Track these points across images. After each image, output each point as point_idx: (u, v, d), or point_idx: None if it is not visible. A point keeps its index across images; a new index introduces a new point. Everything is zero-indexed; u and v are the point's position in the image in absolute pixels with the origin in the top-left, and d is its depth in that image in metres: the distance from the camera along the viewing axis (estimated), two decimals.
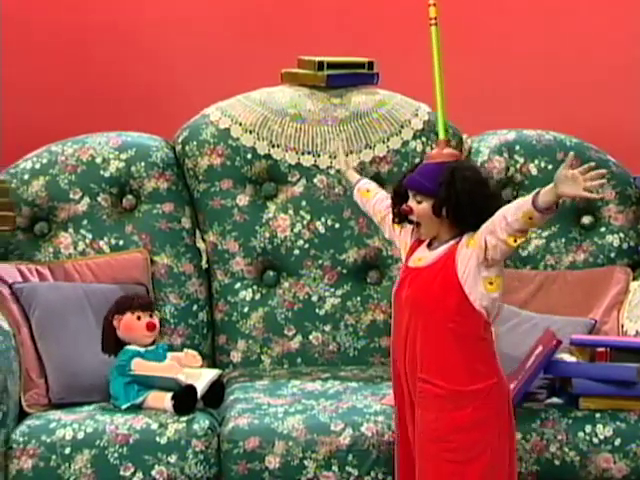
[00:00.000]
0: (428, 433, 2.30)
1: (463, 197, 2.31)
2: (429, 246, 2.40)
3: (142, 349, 2.74)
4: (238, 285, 3.06)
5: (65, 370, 2.77)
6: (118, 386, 2.70)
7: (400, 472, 2.47)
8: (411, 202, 2.41)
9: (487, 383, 2.30)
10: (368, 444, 2.59)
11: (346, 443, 2.59)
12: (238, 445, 2.59)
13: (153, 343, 2.77)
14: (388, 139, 3.09)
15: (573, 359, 2.69)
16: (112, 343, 2.74)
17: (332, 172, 3.09)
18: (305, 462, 2.59)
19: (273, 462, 2.58)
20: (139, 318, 2.76)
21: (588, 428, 2.63)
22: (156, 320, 2.79)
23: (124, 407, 2.68)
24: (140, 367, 2.70)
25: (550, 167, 3.09)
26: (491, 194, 2.35)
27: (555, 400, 2.70)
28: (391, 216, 2.46)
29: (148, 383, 2.69)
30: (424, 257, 2.37)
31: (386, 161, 3.10)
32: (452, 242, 2.36)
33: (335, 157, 3.07)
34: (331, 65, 3.11)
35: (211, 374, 2.72)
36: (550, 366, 2.63)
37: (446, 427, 2.29)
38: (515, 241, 2.26)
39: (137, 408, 2.68)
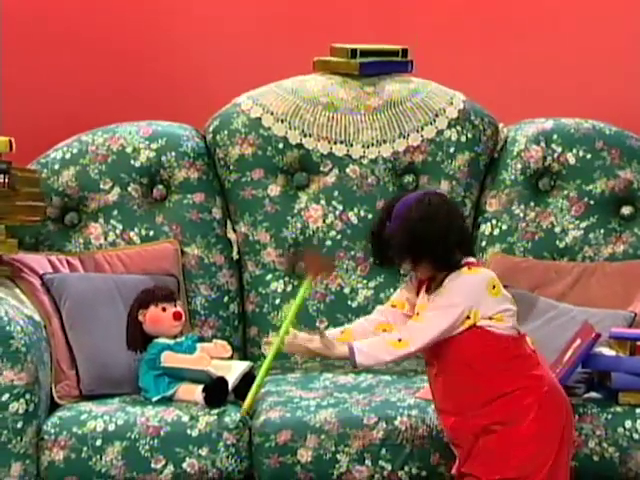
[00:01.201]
0: (488, 454, 2.33)
1: (416, 243, 2.32)
2: (427, 291, 2.41)
3: (171, 341, 2.76)
4: (269, 276, 3.07)
5: (95, 361, 2.80)
6: (148, 379, 2.73)
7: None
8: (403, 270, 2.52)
9: (537, 395, 2.32)
10: (402, 438, 2.60)
11: (379, 437, 2.60)
12: (270, 438, 2.61)
13: (181, 334, 2.80)
14: (422, 128, 3.09)
15: (612, 353, 2.69)
16: (138, 339, 2.76)
17: (365, 162, 3.09)
18: (338, 456, 2.61)
19: (305, 456, 2.60)
20: (164, 309, 2.77)
21: (628, 423, 2.63)
22: (181, 309, 2.80)
23: (155, 399, 2.70)
24: (170, 360, 2.72)
25: (589, 156, 3.08)
26: (440, 224, 2.34)
27: (593, 395, 2.69)
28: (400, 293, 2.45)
29: (179, 375, 2.71)
30: (423, 304, 2.39)
31: (420, 151, 3.10)
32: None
33: (368, 147, 3.07)
34: (364, 53, 3.11)
35: (242, 366, 2.73)
36: (589, 360, 2.62)
37: (505, 443, 2.32)
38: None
39: (168, 400, 2.70)
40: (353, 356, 2.35)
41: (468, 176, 3.10)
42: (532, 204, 3.09)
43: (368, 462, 2.60)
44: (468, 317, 2.32)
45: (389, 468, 2.60)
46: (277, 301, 3.06)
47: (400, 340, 2.34)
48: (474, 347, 2.34)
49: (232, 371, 2.70)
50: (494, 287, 2.38)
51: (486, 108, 3.15)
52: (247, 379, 2.71)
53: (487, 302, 2.35)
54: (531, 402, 2.32)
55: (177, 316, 2.77)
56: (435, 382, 2.41)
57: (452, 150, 3.09)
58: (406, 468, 2.61)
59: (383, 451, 2.60)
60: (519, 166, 3.09)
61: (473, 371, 2.33)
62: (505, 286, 2.96)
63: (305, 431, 2.61)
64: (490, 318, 2.34)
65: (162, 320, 2.77)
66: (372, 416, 2.63)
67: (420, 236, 2.31)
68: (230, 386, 2.67)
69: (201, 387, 2.66)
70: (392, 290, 3.05)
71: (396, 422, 2.61)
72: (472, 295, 2.33)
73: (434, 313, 2.33)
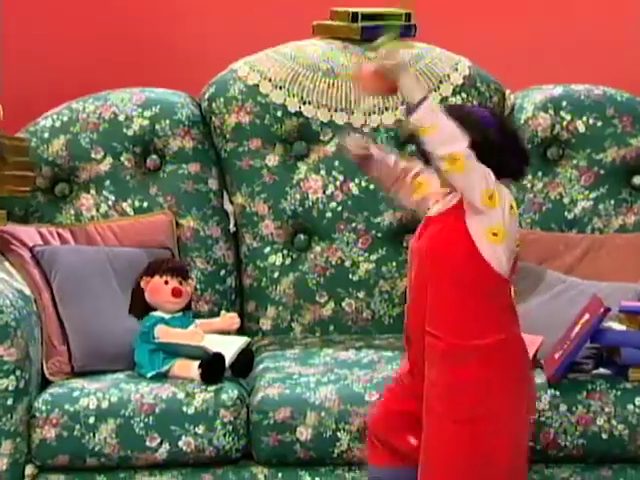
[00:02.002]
0: (430, 390, 2.21)
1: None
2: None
3: (167, 315, 2.76)
4: (267, 249, 3.07)
5: (88, 337, 2.80)
6: (143, 354, 2.72)
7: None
8: None
9: (493, 339, 2.16)
10: None
11: None
12: (268, 416, 2.61)
13: (183, 312, 2.78)
14: None
15: (622, 327, 2.68)
16: (140, 306, 2.75)
17: (367, 130, 3.08)
18: (338, 434, 2.61)
19: (305, 434, 2.60)
20: (167, 282, 2.76)
21: (638, 400, 2.63)
22: (186, 288, 2.78)
23: (149, 375, 2.70)
24: (164, 334, 2.71)
25: (599, 124, 3.07)
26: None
27: (602, 371, 2.69)
28: None
29: (174, 351, 2.71)
30: (437, 206, 2.27)
31: None
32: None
33: (369, 115, 3.06)
34: (366, 16, 3.09)
35: (240, 342, 2.73)
36: (597, 335, 2.62)
37: (447, 384, 2.18)
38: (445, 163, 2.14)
39: (163, 377, 2.70)
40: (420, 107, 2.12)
41: None
42: (540, 174, 3.08)
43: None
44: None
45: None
46: (275, 275, 3.06)
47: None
48: (470, 263, 2.17)
49: (229, 347, 2.69)
50: (511, 207, 2.22)
51: (492, 74, 3.13)
52: (244, 355, 2.71)
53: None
54: (484, 344, 2.17)
55: (175, 292, 2.75)
56: (415, 290, 2.23)
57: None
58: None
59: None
60: (527, 135, 3.07)
61: (460, 285, 2.17)
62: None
63: (305, 408, 2.61)
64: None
65: (160, 292, 2.76)
66: (373, 393, 2.62)
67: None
68: (227, 362, 2.67)
69: (197, 363, 2.66)
70: (394, 263, 3.05)
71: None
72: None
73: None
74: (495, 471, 2.18)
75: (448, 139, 2.15)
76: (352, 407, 2.62)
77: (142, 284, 2.76)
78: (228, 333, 2.80)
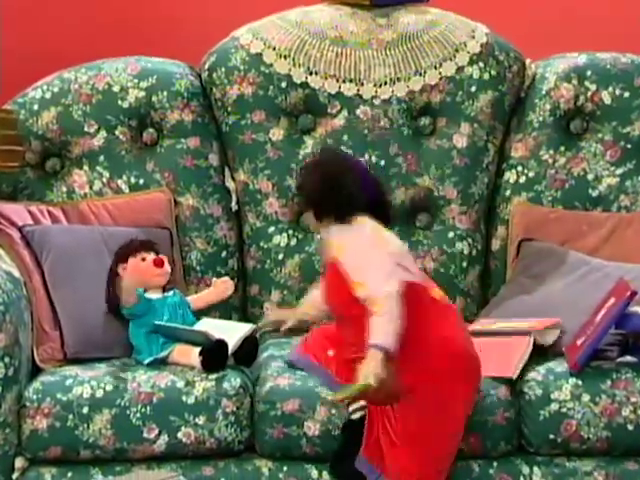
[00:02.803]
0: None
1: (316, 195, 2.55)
2: None
3: (154, 296, 2.75)
4: (272, 229, 3.07)
5: (81, 322, 2.79)
6: (139, 337, 2.72)
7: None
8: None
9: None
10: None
11: None
12: (275, 407, 2.60)
13: (170, 290, 2.79)
14: (440, 64, 3.07)
15: None
16: (119, 300, 2.74)
17: (377, 102, 3.07)
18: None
19: (312, 428, 2.59)
20: (143, 259, 2.77)
21: None
22: (165, 259, 2.80)
23: (147, 362, 2.70)
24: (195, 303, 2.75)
25: (626, 95, 3.05)
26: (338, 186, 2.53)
27: (628, 358, 2.68)
28: None
29: (173, 335, 2.71)
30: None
31: (438, 90, 3.08)
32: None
33: (380, 86, 3.05)
34: None
35: (244, 329, 2.72)
36: (623, 320, 2.61)
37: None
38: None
39: (161, 363, 2.70)
40: (385, 349, 2.40)
41: (491, 118, 3.08)
42: (562, 149, 3.07)
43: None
44: None
45: None
46: (280, 256, 3.06)
47: (376, 311, 2.42)
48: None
49: (232, 333, 2.69)
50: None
51: (512, 42, 3.12)
52: (248, 343, 2.70)
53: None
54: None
55: (158, 262, 2.76)
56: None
57: (474, 89, 3.08)
58: None
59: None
60: (548, 106, 3.07)
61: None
62: (531, 239, 2.99)
63: (315, 402, 2.60)
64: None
65: (142, 269, 2.75)
66: None
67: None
68: (230, 349, 2.66)
69: (198, 350, 2.65)
70: (407, 244, 2.97)
71: None
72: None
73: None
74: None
75: (385, 326, 2.43)
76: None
77: (120, 272, 2.76)
78: (230, 318, 2.78)
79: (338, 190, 2.51)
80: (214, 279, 2.84)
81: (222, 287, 2.80)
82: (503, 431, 2.61)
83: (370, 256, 2.47)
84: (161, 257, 2.78)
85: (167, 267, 2.80)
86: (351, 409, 2.55)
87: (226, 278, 2.80)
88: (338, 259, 2.52)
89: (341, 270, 2.50)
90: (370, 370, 2.38)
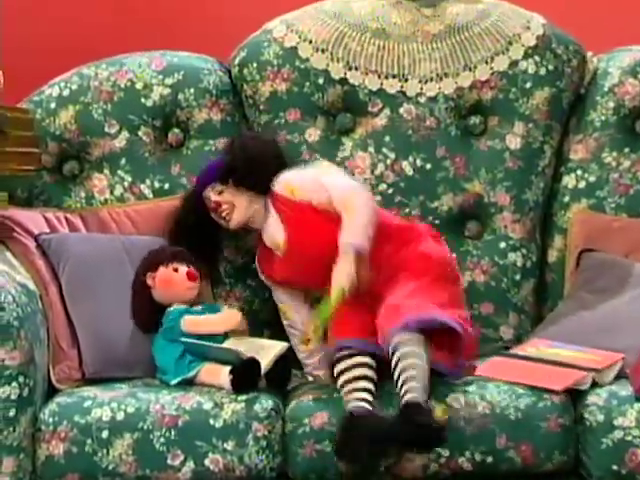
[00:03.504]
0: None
1: (254, 160, 2.85)
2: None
3: (190, 308, 2.77)
4: None
5: (101, 338, 2.81)
6: (168, 358, 2.72)
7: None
8: (214, 198, 2.86)
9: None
10: (458, 417, 2.59)
11: None
12: (303, 423, 2.61)
13: (199, 304, 2.80)
14: (492, 59, 3.06)
15: None
16: (147, 311, 2.76)
17: (422, 100, 3.07)
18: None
19: None
20: (176, 270, 2.78)
21: None
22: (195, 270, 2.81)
23: (173, 383, 2.71)
24: (193, 325, 2.71)
25: None
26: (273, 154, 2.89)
27: None
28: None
29: (202, 353, 2.71)
30: (278, 237, 2.83)
31: (489, 86, 3.07)
32: (268, 207, 2.84)
33: (426, 83, 3.05)
34: None
35: (277, 347, 2.72)
36: None
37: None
38: None
39: (188, 384, 2.70)
40: (354, 248, 2.66)
41: (548, 117, 3.07)
42: (627, 150, 3.05)
43: (405, 448, 2.57)
44: None
45: (446, 454, 2.59)
46: None
47: (348, 210, 2.72)
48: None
49: (265, 352, 2.69)
50: None
51: (571, 33, 3.11)
52: (281, 363, 2.70)
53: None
54: None
55: (192, 276, 2.78)
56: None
57: (528, 85, 3.06)
58: (467, 454, 2.60)
59: None
60: (611, 104, 3.05)
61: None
62: (592, 250, 2.96)
63: (344, 412, 2.59)
64: None
65: (175, 282, 2.77)
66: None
67: None
68: (262, 369, 2.66)
69: (228, 369, 2.65)
70: (454, 255, 3.01)
71: (448, 399, 2.60)
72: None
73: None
74: None
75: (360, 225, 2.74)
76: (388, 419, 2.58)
77: (149, 281, 2.76)
78: (260, 335, 2.78)
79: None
80: (224, 307, 2.85)
81: (224, 319, 2.77)
82: (557, 440, 2.60)
83: (326, 176, 2.80)
84: (193, 271, 2.79)
85: (198, 282, 2.81)
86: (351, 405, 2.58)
87: (235, 311, 2.80)
88: (295, 200, 2.78)
89: (302, 211, 2.75)
90: (343, 274, 2.62)
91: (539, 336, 2.85)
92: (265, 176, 2.85)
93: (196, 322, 2.72)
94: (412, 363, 2.54)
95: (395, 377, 2.56)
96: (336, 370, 2.64)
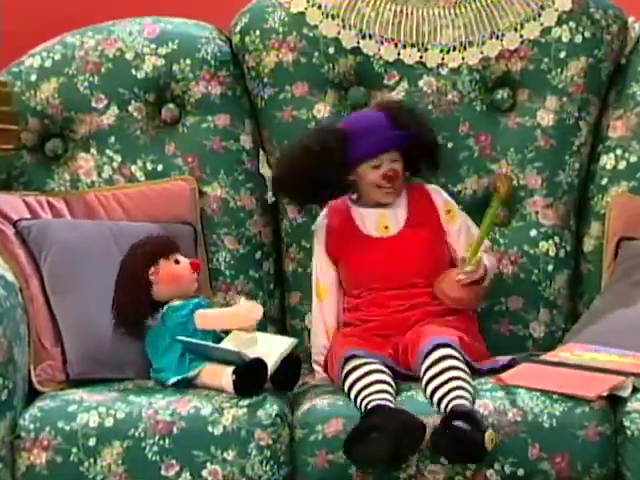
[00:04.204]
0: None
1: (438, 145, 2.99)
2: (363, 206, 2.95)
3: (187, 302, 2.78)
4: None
5: (88, 335, 2.80)
6: (171, 356, 2.72)
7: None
8: (388, 166, 2.87)
9: None
10: (487, 425, 2.56)
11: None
12: (315, 430, 2.60)
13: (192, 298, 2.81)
14: (522, 25, 3.05)
15: None
16: (145, 311, 2.75)
17: (444, 72, 3.06)
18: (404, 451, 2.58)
19: None
20: (177, 262, 2.79)
21: None
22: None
23: (172, 382, 2.70)
24: (206, 320, 2.71)
25: None
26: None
27: None
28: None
29: (202, 353, 2.70)
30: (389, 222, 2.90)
31: (519, 56, 3.06)
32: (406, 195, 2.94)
33: (448, 52, 3.05)
34: None
35: (284, 345, 2.72)
36: None
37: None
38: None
39: (186, 385, 2.70)
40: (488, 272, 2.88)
41: (584, 90, 3.06)
42: None
43: (444, 459, 2.57)
44: None
45: (472, 467, 2.59)
46: None
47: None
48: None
49: (271, 350, 2.68)
50: None
51: None
52: (288, 362, 2.69)
53: None
54: None
55: (195, 266, 2.79)
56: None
57: (563, 55, 3.05)
58: (496, 465, 2.59)
59: None
60: None
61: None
62: (632, 238, 2.95)
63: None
64: None
65: (181, 275, 2.77)
66: None
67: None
68: (269, 369, 2.65)
69: (231, 369, 2.64)
70: None
71: (475, 406, 2.59)
72: None
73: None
74: None
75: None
76: (419, 417, 2.57)
77: (152, 277, 2.76)
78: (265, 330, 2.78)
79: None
80: (242, 299, 2.83)
81: (246, 312, 2.75)
82: (596, 450, 2.58)
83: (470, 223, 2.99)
84: (197, 260, 2.81)
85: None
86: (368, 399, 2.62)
87: (255, 302, 2.80)
88: (439, 214, 2.92)
89: (432, 228, 2.90)
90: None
91: (574, 340, 2.83)
92: (437, 163, 2.95)
93: (209, 319, 2.71)
94: (458, 375, 2.59)
95: (436, 383, 2.60)
96: (349, 381, 2.64)
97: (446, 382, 2.59)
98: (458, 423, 2.49)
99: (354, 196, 2.95)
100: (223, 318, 2.73)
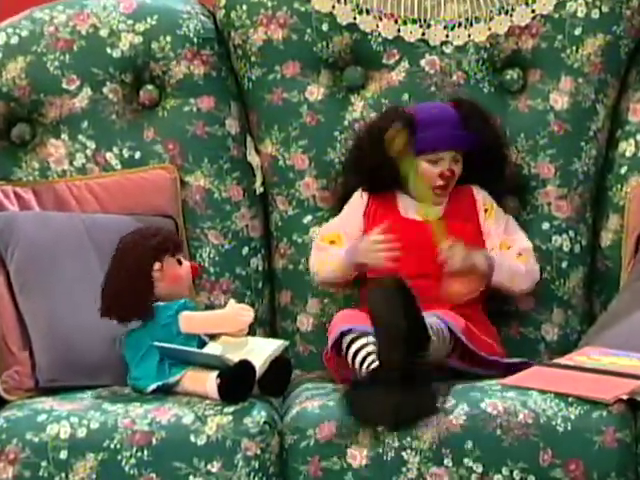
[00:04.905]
0: None
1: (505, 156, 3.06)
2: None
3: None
4: (308, 218, 3.07)
5: (59, 339, 2.80)
6: (150, 362, 2.72)
7: None
8: (447, 165, 2.91)
9: None
10: (495, 426, 2.58)
11: (460, 423, 2.58)
12: (306, 435, 2.59)
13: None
14: None
15: None
16: (148, 309, 2.73)
17: (448, 50, 3.07)
18: (404, 454, 2.59)
19: (359, 457, 2.59)
20: (180, 262, 2.80)
21: None
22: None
23: (150, 389, 2.70)
24: (192, 323, 2.71)
25: None
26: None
27: None
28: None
29: (182, 359, 2.70)
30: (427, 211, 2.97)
31: (530, 33, 3.06)
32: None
33: (453, 29, 3.05)
34: None
35: (272, 347, 2.72)
36: None
37: None
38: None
39: (166, 392, 2.70)
40: (490, 266, 2.89)
41: (602, 70, 3.07)
42: None
43: (448, 461, 2.57)
44: None
45: (479, 470, 2.58)
46: None
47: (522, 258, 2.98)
48: None
49: (258, 352, 2.69)
50: None
51: None
52: (278, 365, 2.70)
53: None
54: None
55: (195, 270, 2.82)
56: None
57: (578, 31, 3.05)
58: (504, 471, 2.58)
59: (468, 444, 2.58)
60: None
61: None
62: None
63: (356, 422, 2.59)
64: None
65: (181, 277, 2.78)
66: (448, 398, 2.62)
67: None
68: (257, 373, 2.66)
69: (215, 374, 2.64)
70: None
71: (483, 405, 2.60)
72: None
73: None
74: None
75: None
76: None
77: (156, 274, 2.75)
78: (254, 334, 2.79)
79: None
80: (231, 300, 2.82)
81: (235, 315, 2.75)
82: (613, 458, 2.58)
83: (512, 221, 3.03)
84: (198, 265, 2.87)
85: None
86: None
87: (245, 305, 2.80)
88: (477, 211, 2.96)
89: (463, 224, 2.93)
90: (464, 252, 2.84)
91: (591, 343, 2.83)
92: (503, 177, 3.03)
93: (195, 321, 2.71)
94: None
95: None
96: (351, 352, 2.69)
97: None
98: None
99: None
100: (210, 321, 2.73)
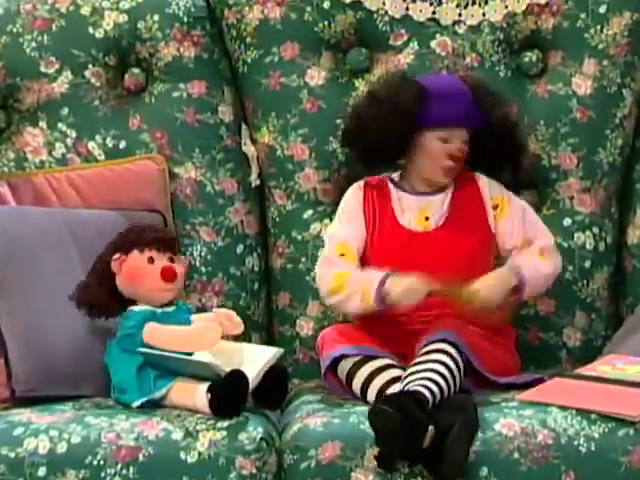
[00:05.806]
0: None
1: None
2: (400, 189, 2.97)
3: (156, 309, 2.77)
4: (309, 213, 3.10)
5: (38, 345, 2.81)
6: (125, 371, 2.73)
7: None
8: (458, 144, 2.90)
9: None
10: (512, 449, 2.58)
11: (474, 448, 2.57)
12: (308, 455, 2.60)
13: (171, 304, 2.81)
14: None
15: None
16: (107, 299, 2.76)
17: (461, 30, 3.08)
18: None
19: None
20: (151, 260, 2.77)
21: None
22: (179, 267, 2.81)
23: (137, 405, 2.71)
24: (156, 336, 2.71)
25: None
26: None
27: None
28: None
29: (168, 367, 2.71)
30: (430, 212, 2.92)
31: (550, 11, 3.08)
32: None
33: (466, 7, 3.06)
34: None
35: (268, 355, 2.72)
36: None
37: None
38: None
39: (154, 405, 2.70)
40: (519, 279, 2.87)
41: (629, 52, 3.08)
42: None
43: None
44: None
45: None
46: (319, 252, 3.05)
47: (543, 256, 2.94)
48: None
49: (252, 361, 2.69)
50: None
51: None
52: (274, 374, 2.70)
53: None
54: None
55: (168, 274, 2.77)
56: None
57: (603, 9, 3.07)
58: None
59: (483, 471, 2.57)
60: None
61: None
62: None
63: (362, 443, 2.59)
64: None
65: (145, 275, 2.77)
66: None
67: None
68: (251, 384, 2.66)
69: (206, 385, 2.65)
70: None
71: (498, 426, 2.60)
72: None
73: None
74: None
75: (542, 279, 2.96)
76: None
77: (114, 266, 2.77)
78: (249, 339, 2.79)
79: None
80: (215, 309, 2.84)
81: (228, 325, 2.75)
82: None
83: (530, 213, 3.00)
84: (174, 268, 2.78)
85: (177, 284, 2.80)
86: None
87: (233, 313, 2.78)
88: (485, 205, 2.93)
89: (474, 218, 2.92)
90: (493, 288, 2.81)
91: (616, 350, 2.84)
92: (519, 165, 3.03)
93: (160, 334, 2.71)
94: (438, 369, 2.66)
95: (411, 370, 2.68)
96: (357, 380, 2.72)
97: (421, 371, 2.63)
98: (385, 406, 2.54)
99: (395, 176, 2.96)
100: (174, 338, 2.71)
